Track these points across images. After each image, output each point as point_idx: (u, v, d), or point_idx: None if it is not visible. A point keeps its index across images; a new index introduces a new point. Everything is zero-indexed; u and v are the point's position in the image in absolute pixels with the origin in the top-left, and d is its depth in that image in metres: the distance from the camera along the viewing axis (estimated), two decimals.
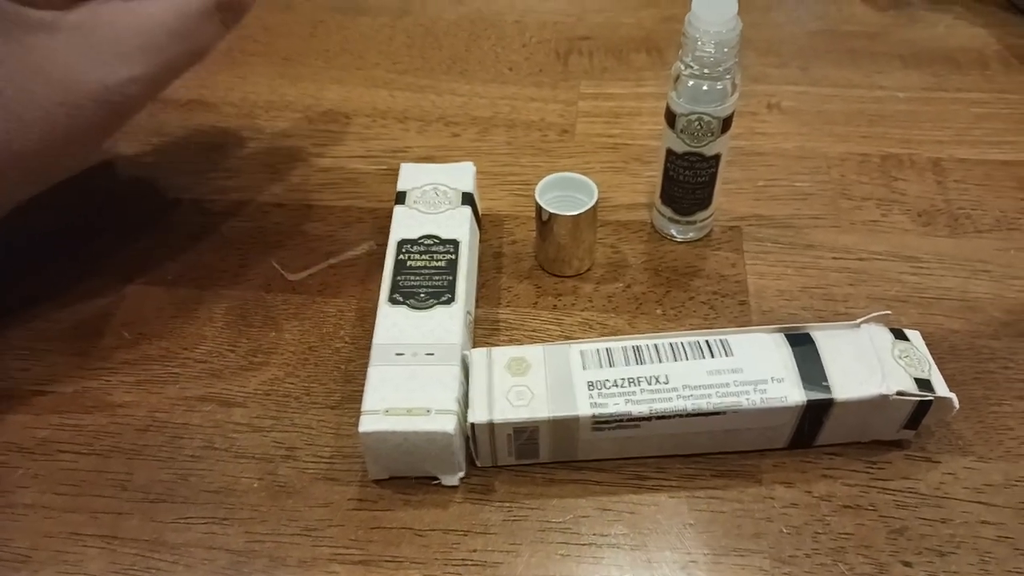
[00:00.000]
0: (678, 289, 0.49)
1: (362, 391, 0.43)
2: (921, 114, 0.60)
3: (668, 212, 0.50)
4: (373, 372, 0.41)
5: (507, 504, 0.40)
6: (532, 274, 0.50)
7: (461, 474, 0.41)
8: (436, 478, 0.41)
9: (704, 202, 0.49)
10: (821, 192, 0.55)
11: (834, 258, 0.50)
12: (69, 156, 0.41)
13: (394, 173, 0.56)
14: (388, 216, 0.53)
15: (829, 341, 0.41)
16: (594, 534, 0.39)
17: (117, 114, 0.40)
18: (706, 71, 0.44)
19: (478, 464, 0.41)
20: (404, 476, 0.41)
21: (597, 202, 0.47)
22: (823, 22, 0.69)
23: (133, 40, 0.39)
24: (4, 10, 0.35)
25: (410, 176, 0.50)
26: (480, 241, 0.52)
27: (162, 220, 0.54)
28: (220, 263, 0.51)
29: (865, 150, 0.57)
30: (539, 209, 0.47)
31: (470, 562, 0.38)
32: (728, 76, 0.44)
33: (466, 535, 0.39)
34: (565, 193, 0.48)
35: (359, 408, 0.43)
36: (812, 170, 0.56)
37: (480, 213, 0.52)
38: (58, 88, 0.37)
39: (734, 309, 0.48)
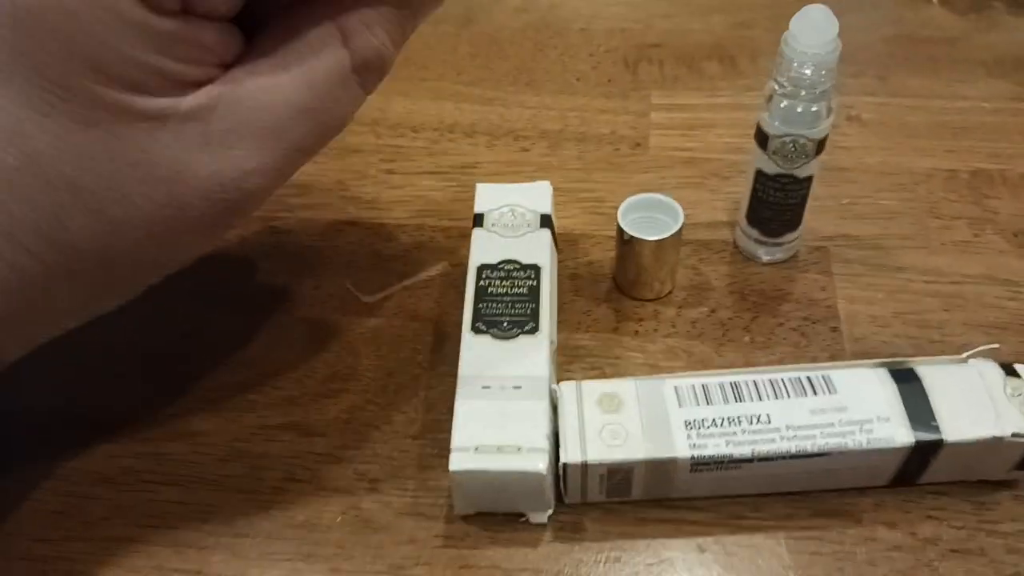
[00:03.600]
0: (766, 314, 0.47)
1: (443, 420, 0.43)
2: (1010, 125, 0.58)
3: (755, 233, 0.48)
4: (460, 406, 0.40)
5: (598, 543, 0.39)
6: (610, 297, 0.49)
7: (550, 511, 0.40)
8: (523, 514, 0.40)
9: (793, 224, 0.47)
10: (908, 210, 0.53)
11: (926, 282, 0.49)
12: (173, 258, 0.35)
13: (465, 189, 0.55)
14: (460, 235, 0.52)
15: (936, 377, 0.39)
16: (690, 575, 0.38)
17: (232, 211, 0.33)
18: (802, 93, 0.42)
19: (566, 501, 0.40)
20: (491, 512, 0.40)
21: (683, 225, 0.45)
22: (898, 27, 0.67)
23: (255, 125, 0.31)
24: (103, 97, 0.29)
25: (487, 197, 0.49)
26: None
27: (232, 241, 0.54)
28: (294, 285, 0.51)
29: (952, 165, 0.55)
30: (620, 231, 0.46)
31: None
32: (824, 98, 0.43)
33: None
34: (648, 214, 0.47)
35: (442, 438, 0.42)
36: (897, 187, 0.54)
37: (556, 233, 0.51)
38: (161, 187, 0.30)
39: (826, 336, 0.46)
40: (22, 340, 0.35)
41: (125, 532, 0.41)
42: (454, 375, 0.41)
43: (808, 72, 0.41)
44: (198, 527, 0.41)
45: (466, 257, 0.46)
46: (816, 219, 0.52)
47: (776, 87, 0.43)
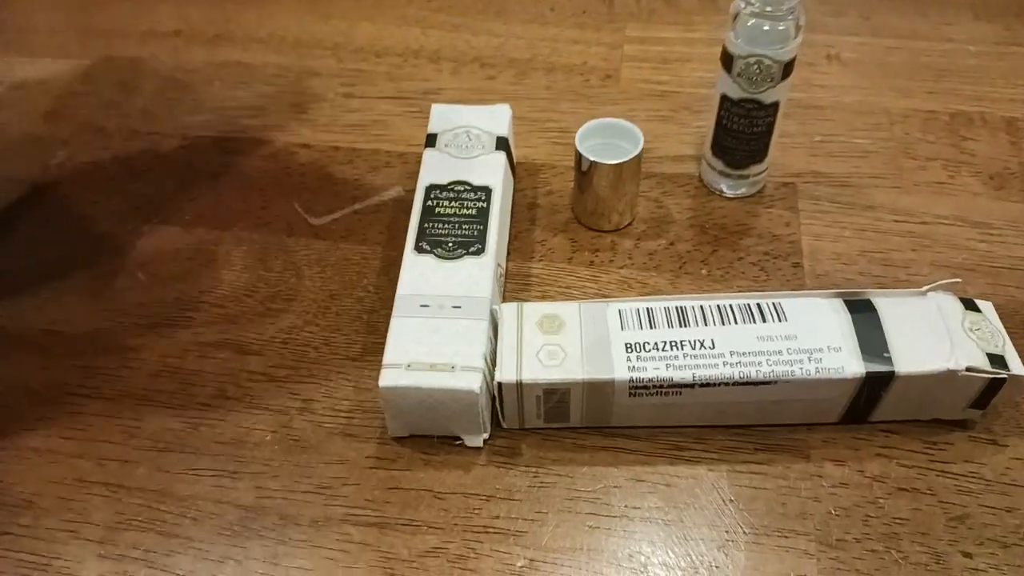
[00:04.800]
0: (726, 248, 0.45)
1: (384, 344, 0.41)
2: (993, 69, 0.55)
3: (719, 165, 0.46)
4: (396, 324, 0.38)
5: (533, 469, 0.38)
6: (568, 227, 0.47)
7: (485, 435, 0.38)
8: (459, 438, 0.38)
9: (759, 155, 0.45)
10: (882, 150, 0.51)
11: (895, 221, 0.47)
12: None
13: (425, 116, 0.53)
14: (417, 161, 0.50)
15: (892, 309, 0.37)
16: (626, 506, 0.36)
17: None
18: (768, 9, 0.40)
19: (504, 425, 0.39)
20: (425, 435, 0.39)
21: (642, 151, 0.43)
22: None
23: None
24: None
25: (442, 118, 0.47)
26: (514, 191, 0.49)
27: (182, 158, 0.52)
28: (241, 204, 0.49)
29: (931, 107, 0.53)
30: (579, 157, 0.44)
31: (492, 529, 0.36)
32: (792, 16, 0.40)
33: (489, 500, 0.37)
34: (608, 141, 0.45)
35: (380, 361, 0.41)
36: (873, 126, 0.52)
37: (515, 161, 0.49)
38: None
39: (787, 272, 0.44)
40: None
41: (46, 443, 0.39)
42: None
43: None
44: (123, 441, 0.39)
45: None
46: (786, 155, 0.50)
47: (742, 4, 0.41)
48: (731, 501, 0.37)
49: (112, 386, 0.41)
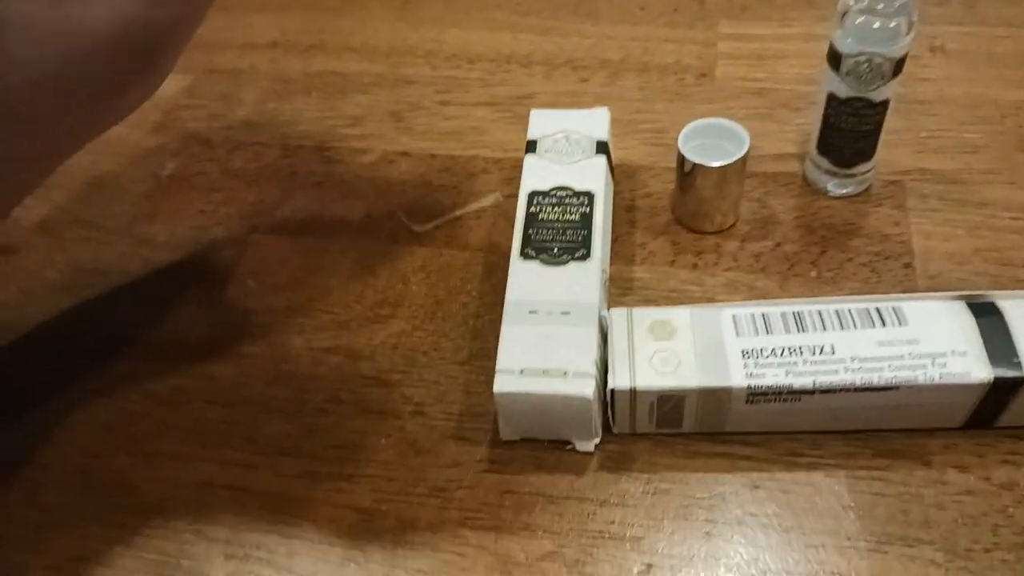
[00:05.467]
0: (835, 249, 0.44)
1: (491, 347, 0.41)
2: None
3: (825, 163, 0.46)
4: (507, 330, 0.38)
5: (646, 475, 0.38)
6: (669, 229, 0.47)
7: (597, 440, 0.38)
8: (569, 442, 0.39)
9: (867, 153, 0.44)
10: (994, 144, 0.49)
11: (1011, 218, 0.45)
12: (98, 110, 0.33)
13: (520, 121, 0.53)
14: (514, 166, 0.50)
15: (1019, 311, 0.36)
16: (742, 512, 0.36)
17: (147, 50, 0.31)
18: (879, 7, 0.39)
19: (615, 431, 0.39)
20: (536, 439, 0.39)
21: (748, 151, 0.43)
22: None
23: None
24: None
25: (540, 123, 0.47)
26: (613, 193, 0.49)
27: (284, 168, 0.53)
28: (345, 213, 0.50)
29: None
30: (681, 158, 0.44)
31: (607, 534, 0.36)
32: (903, 13, 0.39)
33: (603, 505, 0.37)
34: (710, 141, 0.45)
35: (488, 365, 0.41)
36: (982, 120, 0.50)
37: (613, 163, 0.49)
38: (58, 41, 0.29)
39: (898, 272, 0.43)
40: None
41: (172, 448, 0.41)
42: (503, 304, 0.39)
43: None
44: (243, 446, 0.41)
45: (519, 188, 0.44)
46: (892, 153, 0.48)
47: (851, 1, 0.40)
48: (850, 507, 0.36)
49: (230, 393, 0.43)
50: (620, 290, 0.44)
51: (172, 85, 0.60)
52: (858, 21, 0.40)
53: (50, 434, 0.42)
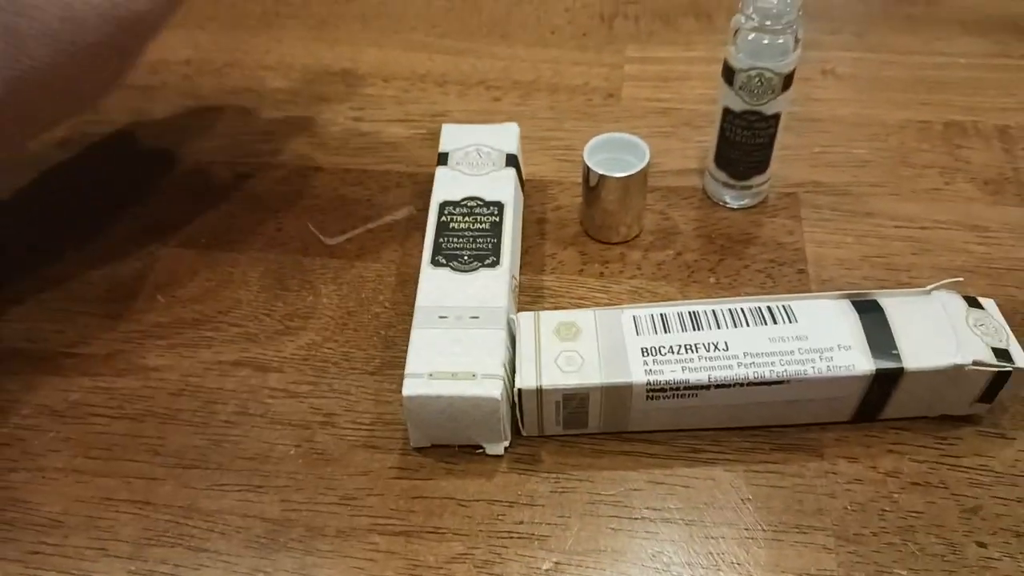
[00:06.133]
0: (732, 257, 0.46)
1: (402, 357, 0.42)
2: (985, 81, 0.57)
3: (722, 176, 0.48)
4: (416, 335, 0.39)
5: (554, 475, 0.38)
6: (577, 240, 0.48)
7: (506, 443, 0.39)
8: (480, 447, 0.39)
9: (761, 165, 0.47)
10: (880, 160, 0.52)
11: (896, 227, 0.48)
12: (82, 79, 0.38)
13: (434, 137, 0.54)
14: (428, 181, 0.51)
15: (898, 308, 0.38)
16: (647, 508, 0.37)
17: (127, 32, 0.37)
18: (768, 23, 0.42)
19: (523, 433, 0.39)
20: (446, 444, 0.39)
21: (648, 164, 0.45)
22: None
23: None
24: None
25: (452, 137, 0.48)
26: (523, 207, 0.50)
27: (196, 183, 0.53)
28: (255, 226, 0.50)
29: (926, 117, 0.55)
30: (587, 171, 0.45)
31: (516, 534, 0.37)
32: (791, 30, 0.42)
33: (512, 506, 0.37)
34: (614, 155, 0.46)
35: (400, 374, 0.41)
36: (870, 137, 0.53)
37: (524, 178, 0.50)
38: (57, 2, 0.35)
39: (792, 278, 0.45)
40: None
41: (71, 464, 0.40)
42: None
43: (775, 1, 0.41)
44: (147, 459, 0.40)
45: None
46: (786, 167, 0.51)
47: (743, 20, 0.42)
48: (749, 500, 0.37)
49: (134, 405, 0.42)
50: (530, 298, 0.45)
51: None
52: (750, 38, 0.42)
53: None
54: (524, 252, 0.47)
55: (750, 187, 0.48)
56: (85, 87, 0.39)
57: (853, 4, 0.64)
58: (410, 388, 0.37)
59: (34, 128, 0.40)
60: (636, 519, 0.37)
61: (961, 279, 0.39)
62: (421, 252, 0.43)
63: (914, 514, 0.36)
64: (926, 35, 0.61)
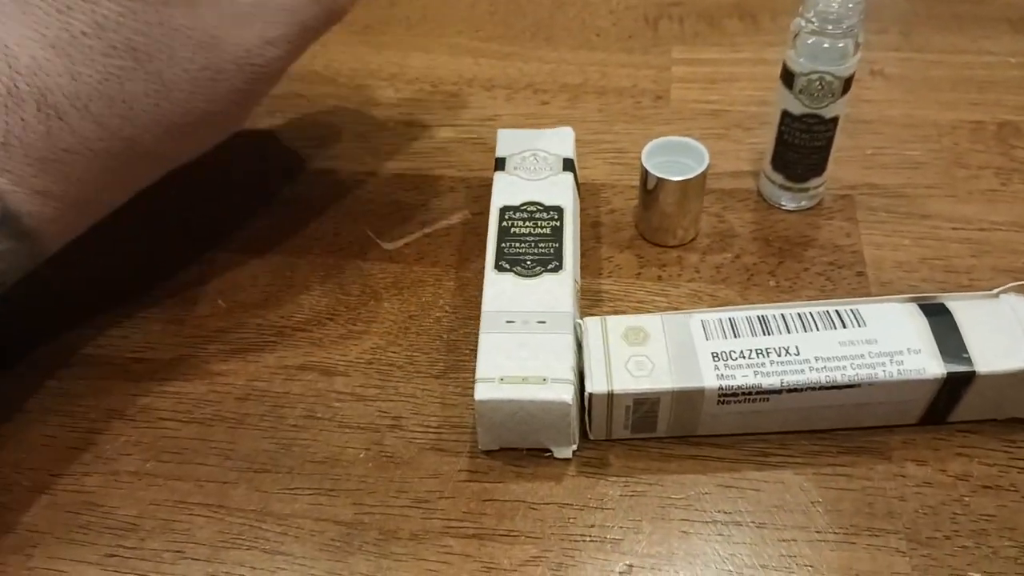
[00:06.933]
0: (791, 260, 0.47)
1: (466, 361, 0.42)
2: None
3: (779, 179, 0.48)
4: (485, 339, 0.39)
5: (623, 479, 0.39)
6: (633, 244, 0.48)
7: (574, 447, 0.39)
8: (547, 450, 0.39)
9: (819, 168, 0.47)
10: (934, 161, 0.52)
11: (953, 228, 0.48)
12: (211, 124, 0.40)
13: (484, 142, 0.54)
14: (480, 185, 0.52)
15: (966, 311, 0.38)
16: (717, 511, 0.37)
17: (258, 79, 0.39)
18: (829, 28, 0.42)
19: (591, 437, 0.40)
20: (514, 448, 0.40)
21: (708, 167, 0.45)
22: None
23: (274, 3, 0.38)
24: None
25: (508, 142, 0.49)
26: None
27: (251, 189, 0.53)
28: (313, 232, 0.50)
29: (978, 117, 0.55)
30: (645, 174, 0.45)
31: (588, 538, 0.37)
32: (851, 33, 0.42)
33: (583, 510, 0.38)
34: (671, 158, 0.46)
35: (464, 377, 0.42)
36: (922, 138, 0.53)
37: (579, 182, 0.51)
38: (201, 52, 0.36)
39: (852, 281, 0.45)
40: (73, 220, 0.39)
41: (143, 467, 0.40)
42: (476, 318, 0.40)
43: (835, 6, 0.41)
44: (218, 463, 0.40)
45: (486, 207, 0.45)
46: (840, 169, 0.51)
47: (803, 23, 0.42)
48: (819, 503, 0.37)
49: (202, 410, 0.43)
50: (590, 302, 0.46)
51: None
52: (810, 42, 0.42)
53: (6, 454, 0.41)
54: (581, 256, 0.48)
55: (807, 189, 0.48)
56: (203, 136, 0.41)
57: (899, 3, 0.64)
58: (482, 392, 0.37)
59: (164, 165, 0.41)
60: (707, 522, 0.37)
61: None
62: (478, 256, 0.43)
63: (986, 517, 0.37)
64: (973, 33, 0.61)
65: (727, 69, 0.59)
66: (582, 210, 0.50)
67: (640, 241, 0.49)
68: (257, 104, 0.42)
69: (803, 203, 0.49)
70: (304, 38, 0.41)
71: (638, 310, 0.45)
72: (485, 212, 0.45)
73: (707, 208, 0.50)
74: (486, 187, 0.47)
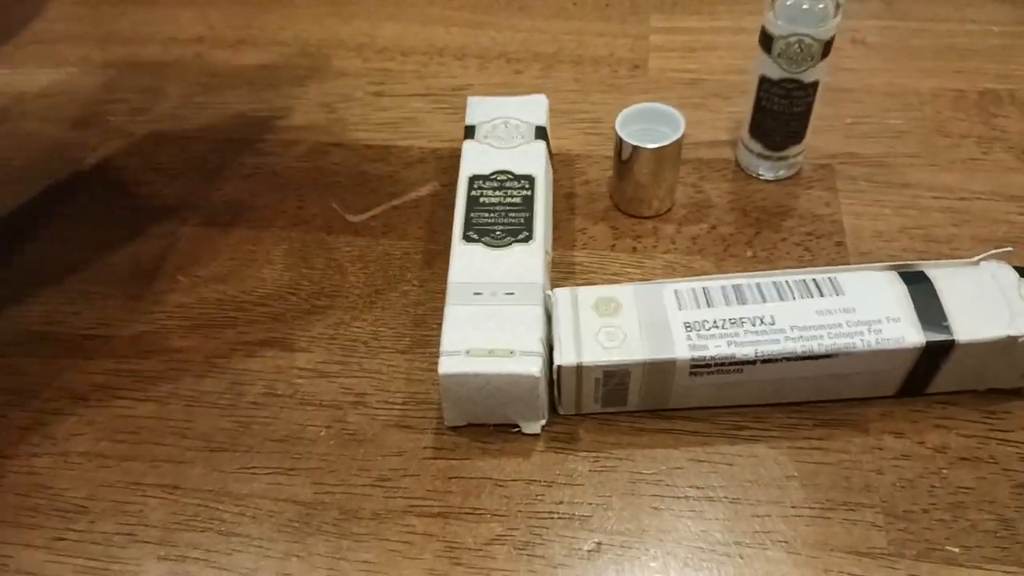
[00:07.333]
0: (769, 230, 0.45)
1: (433, 335, 0.41)
2: (1018, 48, 0.56)
3: (757, 147, 0.46)
4: (451, 312, 0.38)
5: (593, 454, 0.37)
6: (608, 215, 0.47)
7: (543, 422, 0.38)
8: (516, 426, 0.38)
9: (798, 135, 0.45)
10: (915, 129, 0.51)
11: (933, 198, 0.47)
12: None
13: (456, 111, 0.53)
14: (451, 156, 0.50)
15: (947, 279, 0.37)
16: (689, 486, 0.36)
17: None
18: None
19: (560, 412, 0.38)
20: (482, 424, 0.38)
21: (683, 135, 0.43)
22: None
23: None
24: None
25: (479, 109, 0.47)
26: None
27: (213, 161, 0.51)
28: (277, 204, 0.49)
29: (960, 86, 0.53)
30: (619, 142, 0.44)
31: (556, 514, 0.36)
32: None
33: (551, 486, 0.37)
34: (647, 126, 0.45)
35: (431, 352, 0.41)
36: (904, 107, 0.52)
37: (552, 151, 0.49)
38: None
39: (831, 251, 0.44)
40: None
41: (97, 448, 0.39)
42: (444, 291, 0.39)
43: None
44: (175, 442, 0.39)
45: (457, 178, 0.44)
46: (819, 138, 0.50)
47: None
48: (794, 477, 0.36)
49: (159, 388, 0.41)
50: (563, 274, 0.44)
51: (91, 79, 0.57)
52: (789, 3, 0.41)
53: None
54: (554, 227, 0.46)
55: (785, 158, 0.47)
56: None
57: None
58: (447, 366, 0.36)
59: None
60: (679, 498, 0.36)
61: (1011, 249, 0.38)
62: (448, 228, 0.42)
63: (964, 490, 0.36)
64: (956, 2, 0.60)
65: (706, 38, 0.57)
66: (556, 181, 0.49)
67: (615, 212, 0.47)
68: None
69: (781, 172, 0.47)
70: None
71: (612, 282, 0.44)
72: (455, 183, 0.44)
73: (683, 179, 0.48)
74: (457, 158, 0.45)
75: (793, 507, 0.35)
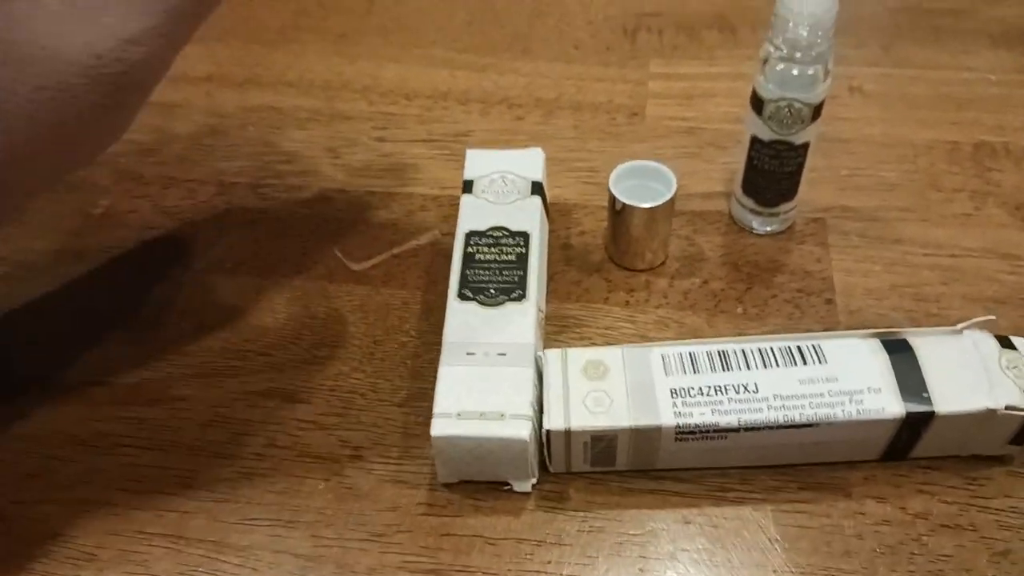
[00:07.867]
0: (760, 286, 0.46)
1: (429, 388, 0.42)
2: (1015, 98, 0.56)
3: (749, 203, 0.47)
4: (444, 372, 0.39)
5: (582, 513, 0.39)
6: (602, 267, 0.48)
7: (534, 480, 0.39)
8: (507, 483, 0.39)
9: (789, 193, 0.46)
10: (909, 183, 0.51)
11: (924, 254, 0.48)
12: (71, 148, 0.32)
13: (457, 157, 0.54)
14: (451, 204, 0.51)
15: (929, 348, 0.38)
16: (674, 548, 0.37)
17: (119, 88, 0.30)
18: (798, 55, 0.41)
19: (551, 470, 0.39)
20: (475, 480, 0.39)
21: (676, 193, 0.44)
22: None
23: None
24: None
25: (477, 163, 0.48)
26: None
27: (219, 206, 0.53)
28: (280, 251, 0.50)
29: (955, 137, 0.54)
30: (612, 199, 0.45)
31: (544, 574, 0.37)
32: (821, 61, 0.41)
33: (540, 545, 0.38)
34: (640, 182, 0.46)
35: (426, 406, 0.41)
36: (898, 158, 0.53)
37: (548, 202, 0.50)
38: (30, 68, 0.28)
39: (820, 308, 0.45)
40: None
41: (102, 495, 0.40)
42: (440, 344, 0.40)
43: (804, 33, 0.40)
44: (178, 491, 0.40)
45: (456, 225, 0.45)
46: (813, 190, 0.51)
47: (772, 50, 0.42)
48: (776, 540, 0.37)
49: (163, 436, 0.42)
50: (556, 327, 0.45)
51: None
52: (779, 68, 0.42)
53: None
54: (549, 279, 0.47)
55: (777, 214, 0.47)
56: (81, 150, 0.34)
57: (879, 16, 0.63)
58: (438, 428, 0.37)
59: (20, 199, 0.34)
60: (663, 559, 0.37)
61: (993, 318, 0.39)
62: (447, 279, 0.43)
63: (944, 557, 0.36)
64: (953, 49, 0.60)
65: (704, 84, 0.58)
66: (552, 231, 0.50)
67: (609, 264, 0.48)
68: (136, 113, 0.34)
69: (774, 227, 0.48)
70: (178, 28, 0.32)
71: (604, 336, 0.45)
72: (454, 232, 0.45)
73: (677, 230, 0.49)
74: (456, 205, 0.46)
75: (774, 571, 0.36)
